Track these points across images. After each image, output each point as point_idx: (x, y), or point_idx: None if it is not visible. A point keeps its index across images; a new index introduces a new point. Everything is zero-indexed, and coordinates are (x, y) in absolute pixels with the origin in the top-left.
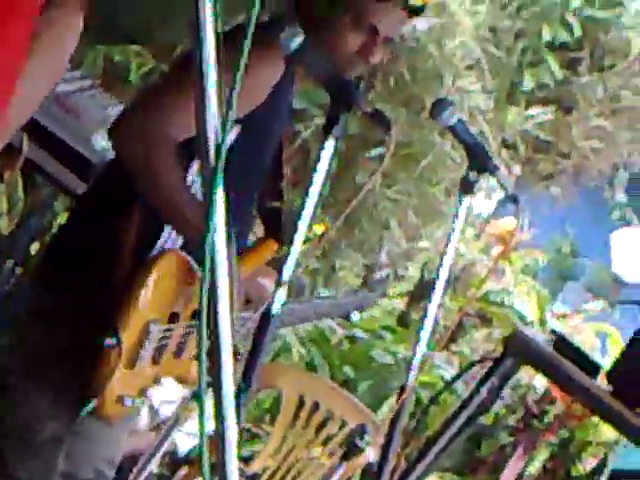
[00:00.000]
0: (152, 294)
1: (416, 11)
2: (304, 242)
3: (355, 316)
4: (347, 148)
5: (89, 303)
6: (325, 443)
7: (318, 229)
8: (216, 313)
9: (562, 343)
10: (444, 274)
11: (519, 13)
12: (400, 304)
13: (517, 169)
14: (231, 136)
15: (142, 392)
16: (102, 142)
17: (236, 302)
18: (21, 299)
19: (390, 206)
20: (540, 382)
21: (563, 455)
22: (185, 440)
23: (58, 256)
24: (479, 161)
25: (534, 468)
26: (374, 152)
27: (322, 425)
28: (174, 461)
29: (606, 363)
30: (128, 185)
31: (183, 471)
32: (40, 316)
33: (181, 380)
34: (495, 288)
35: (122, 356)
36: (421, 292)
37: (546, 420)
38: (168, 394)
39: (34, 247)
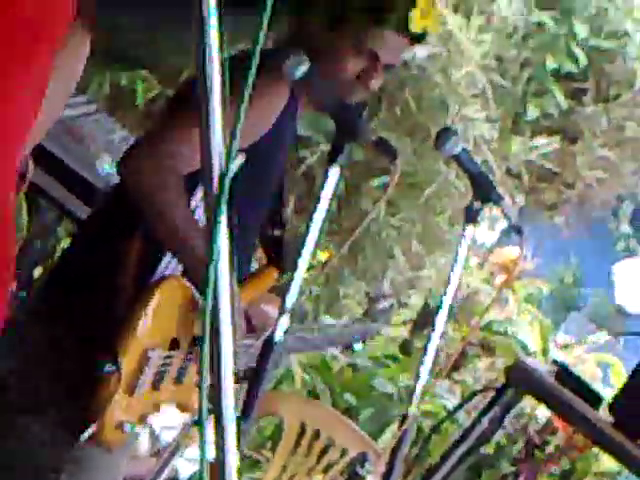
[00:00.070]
0: (152, 320)
1: (417, 38)
2: (307, 269)
3: (358, 346)
4: (352, 176)
5: (90, 328)
6: (326, 471)
7: (322, 256)
8: (218, 341)
9: (564, 373)
10: (447, 303)
11: (525, 42)
12: (403, 332)
13: (521, 198)
14: (236, 165)
15: (142, 419)
16: (106, 167)
17: (238, 329)
18: (24, 323)
19: (394, 234)
20: (542, 412)
21: None
22: (186, 466)
23: (61, 280)
24: (483, 191)
25: None
26: (378, 180)
27: (323, 453)
28: None
29: (608, 394)
30: (132, 212)
31: None
32: (42, 339)
33: (182, 407)
34: (498, 317)
35: (121, 382)
36: (424, 320)
37: (547, 450)
38: (169, 420)
39: (37, 271)
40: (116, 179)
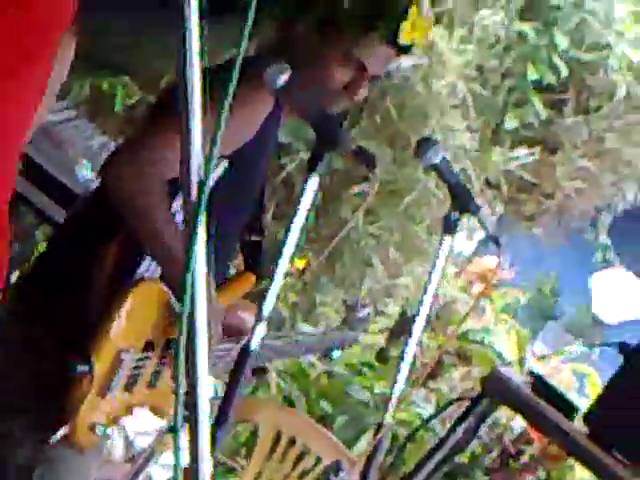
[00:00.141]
0: (127, 322)
1: (404, 49)
2: (285, 277)
3: (336, 354)
4: (331, 183)
5: (68, 329)
6: (301, 478)
7: (299, 263)
8: (193, 347)
9: (540, 384)
10: (424, 311)
11: (506, 53)
12: (380, 340)
13: (500, 208)
14: (217, 172)
15: (115, 421)
16: (85, 173)
17: (215, 334)
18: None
19: (372, 243)
20: (518, 422)
21: None
22: (160, 473)
23: (39, 281)
24: (461, 201)
25: None
26: (358, 188)
27: (298, 460)
28: None
29: (584, 404)
30: (112, 217)
31: None
32: (16, 340)
33: (156, 411)
34: (475, 327)
35: (94, 383)
36: (401, 329)
37: (522, 460)
38: (144, 425)
39: (15, 275)
40: (95, 184)
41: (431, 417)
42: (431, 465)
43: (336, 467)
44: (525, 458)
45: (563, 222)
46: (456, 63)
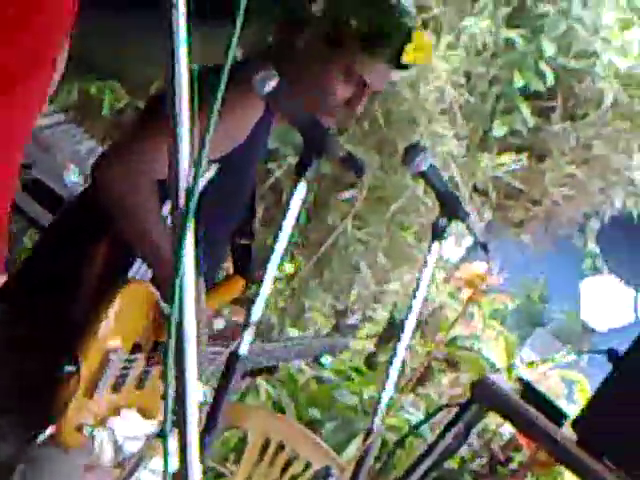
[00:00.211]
0: (115, 323)
1: (403, 66)
2: (274, 282)
3: (327, 360)
4: (319, 189)
5: (53, 329)
6: None
7: (289, 268)
8: (182, 352)
9: (528, 390)
10: (413, 317)
11: (494, 60)
12: (368, 345)
13: (488, 215)
14: (207, 176)
15: (102, 421)
16: (73, 177)
17: (204, 337)
18: None
19: (361, 248)
20: (507, 428)
21: None
22: (149, 478)
23: (24, 281)
24: (450, 207)
25: None
26: (346, 194)
27: (287, 465)
28: None
29: (572, 411)
30: (101, 218)
31: None
32: (4, 339)
33: (144, 412)
34: (464, 333)
35: (81, 384)
36: (389, 334)
37: (511, 466)
38: (132, 428)
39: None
40: (82, 187)
41: (420, 423)
42: (420, 471)
43: (325, 472)
44: (514, 464)
45: (551, 228)
46: (443, 69)
